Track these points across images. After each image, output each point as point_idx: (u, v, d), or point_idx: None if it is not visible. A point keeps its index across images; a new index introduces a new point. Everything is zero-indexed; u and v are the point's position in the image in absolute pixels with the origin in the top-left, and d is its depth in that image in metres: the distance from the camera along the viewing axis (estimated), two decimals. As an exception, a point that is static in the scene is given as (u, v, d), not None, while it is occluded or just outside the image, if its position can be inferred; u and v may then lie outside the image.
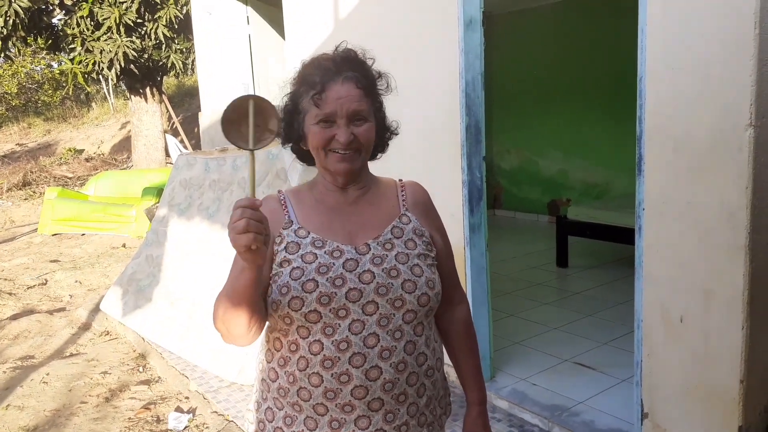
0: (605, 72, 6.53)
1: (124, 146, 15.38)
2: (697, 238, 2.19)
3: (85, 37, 9.77)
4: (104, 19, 9.58)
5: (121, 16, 9.52)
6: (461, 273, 3.11)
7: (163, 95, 11.73)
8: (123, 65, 9.80)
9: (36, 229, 8.59)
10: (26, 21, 9.50)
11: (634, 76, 2.32)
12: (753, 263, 2.08)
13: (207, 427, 3.11)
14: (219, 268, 3.78)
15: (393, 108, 1.36)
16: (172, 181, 4.94)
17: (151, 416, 3.27)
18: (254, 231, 0.99)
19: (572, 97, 6.93)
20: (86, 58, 9.82)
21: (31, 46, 13.65)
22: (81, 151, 15.79)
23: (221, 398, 3.31)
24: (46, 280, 6.18)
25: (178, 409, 3.32)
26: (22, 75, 19.95)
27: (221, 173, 4.41)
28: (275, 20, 6.22)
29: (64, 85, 17.80)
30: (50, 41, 10.52)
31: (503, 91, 7.46)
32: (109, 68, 9.82)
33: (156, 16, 9.79)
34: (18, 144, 18.36)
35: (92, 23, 9.73)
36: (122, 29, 9.65)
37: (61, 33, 10.31)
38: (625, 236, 4.51)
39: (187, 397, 3.46)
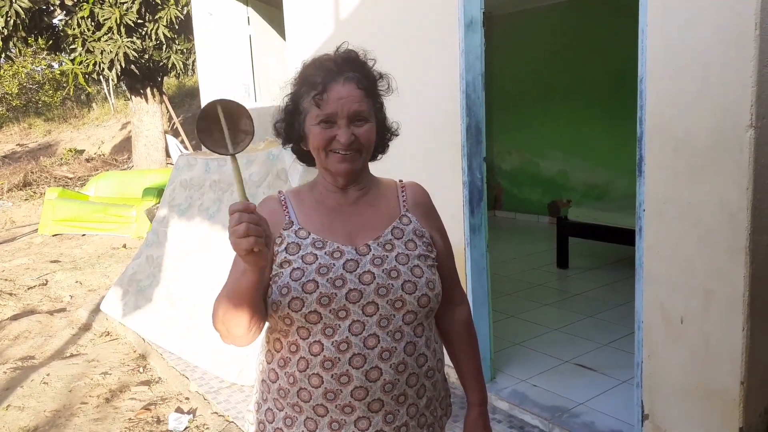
0: (605, 72, 6.53)
1: (124, 147, 15.39)
2: (697, 239, 2.19)
3: (85, 37, 9.77)
4: (105, 20, 9.59)
5: (121, 17, 9.53)
6: (462, 274, 3.11)
7: (164, 96, 11.74)
8: (123, 66, 9.81)
9: (36, 229, 8.59)
10: (27, 21, 9.51)
11: (635, 77, 2.32)
12: (753, 264, 2.08)
13: (207, 428, 3.11)
14: (219, 269, 3.77)
15: (393, 109, 1.36)
16: (172, 181, 4.95)
17: (152, 417, 3.27)
18: (254, 234, 0.99)
19: (572, 98, 6.94)
20: (87, 59, 9.83)
21: (31, 46, 13.68)
22: (81, 152, 15.80)
23: (221, 399, 3.31)
24: (47, 281, 6.19)
25: (179, 410, 3.32)
26: (23, 75, 19.97)
27: (222, 174, 4.41)
28: (276, 21, 6.22)
29: (64, 85, 17.82)
30: (51, 42, 10.53)
31: (503, 92, 7.46)
32: (110, 69, 9.83)
33: (156, 17, 9.80)
34: (19, 144, 18.37)
35: (93, 24, 9.74)
36: (123, 30, 9.65)
37: (61, 33, 10.32)
38: (626, 237, 4.51)
39: (187, 398, 3.46)
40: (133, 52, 9.77)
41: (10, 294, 5.74)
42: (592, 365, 3.40)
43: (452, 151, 3.14)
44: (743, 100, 2.00)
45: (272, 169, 3.94)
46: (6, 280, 6.26)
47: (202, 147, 6.70)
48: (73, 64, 10.15)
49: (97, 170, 13.32)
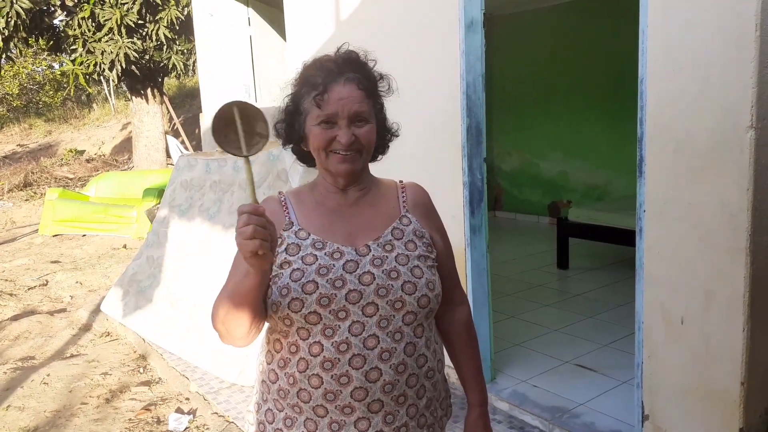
0: (606, 73, 6.53)
1: (125, 147, 15.40)
2: (697, 240, 2.19)
3: (86, 38, 9.78)
4: (105, 20, 9.60)
5: (122, 18, 9.54)
6: (462, 274, 3.11)
7: (164, 96, 11.75)
8: (124, 66, 9.81)
9: (37, 230, 8.60)
10: (28, 22, 9.52)
11: (635, 78, 2.32)
12: (754, 265, 2.08)
13: (207, 428, 3.11)
14: (220, 269, 3.77)
15: (394, 109, 1.36)
16: (172, 182, 4.95)
17: (152, 417, 3.27)
18: (260, 237, 0.99)
19: (573, 99, 6.94)
20: (87, 59, 9.84)
21: (32, 47, 13.69)
22: (82, 152, 15.81)
23: (222, 399, 3.31)
24: (47, 281, 6.19)
25: (179, 410, 3.32)
26: (24, 76, 19.98)
27: (222, 174, 4.42)
28: (276, 21, 6.23)
29: (65, 86, 17.83)
30: (51, 42, 10.54)
31: (504, 93, 7.46)
32: (111, 69, 9.84)
33: (157, 18, 9.81)
34: (19, 145, 18.38)
35: (93, 24, 9.75)
36: (123, 30, 9.66)
37: (62, 34, 10.32)
38: (626, 238, 4.51)
39: (187, 398, 3.46)
40: (134, 53, 9.78)
41: (11, 294, 5.74)
42: (593, 366, 3.39)
43: (452, 151, 3.14)
44: (744, 101, 2.00)
45: (272, 170, 3.95)
46: (6, 280, 6.26)
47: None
48: (74, 65, 10.15)
49: (98, 171, 13.33)
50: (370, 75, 1.25)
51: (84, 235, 8.23)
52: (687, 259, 2.23)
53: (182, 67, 10.57)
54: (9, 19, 9.13)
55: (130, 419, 3.26)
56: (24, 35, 10.00)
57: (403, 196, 1.34)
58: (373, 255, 1.23)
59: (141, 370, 3.92)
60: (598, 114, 6.72)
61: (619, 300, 4.38)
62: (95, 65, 9.84)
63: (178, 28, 9.97)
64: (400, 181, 1.37)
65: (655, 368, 2.39)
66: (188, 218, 4.54)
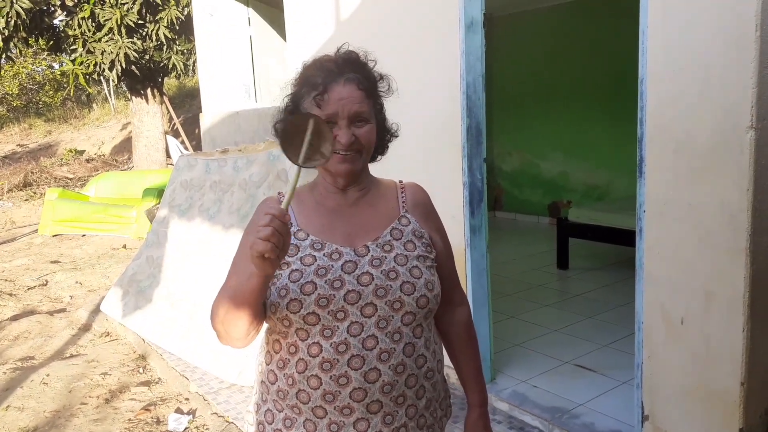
0: (606, 74, 6.53)
1: (124, 147, 15.40)
2: (697, 240, 2.19)
3: (86, 38, 9.78)
4: (105, 20, 9.60)
5: (122, 18, 9.54)
6: (462, 275, 3.11)
7: (164, 96, 11.75)
8: (124, 66, 9.81)
9: (36, 230, 8.59)
10: (28, 22, 9.52)
11: (635, 78, 2.32)
12: (754, 265, 2.08)
13: (207, 429, 3.11)
14: (219, 269, 3.77)
15: (394, 109, 1.36)
16: (172, 182, 4.95)
17: (151, 417, 3.27)
18: (275, 242, 0.99)
19: (573, 99, 6.94)
20: (87, 59, 9.84)
21: (32, 47, 13.69)
22: (82, 152, 15.81)
23: (221, 400, 3.31)
24: (47, 281, 6.19)
25: (178, 411, 3.31)
26: (24, 76, 19.98)
27: (222, 174, 4.42)
28: (276, 21, 6.23)
29: (65, 86, 17.83)
30: (51, 42, 10.54)
31: (504, 93, 7.46)
32: (110, 69, 9.84)
33: (157, 18, 9.81)
34: (19, 145, 18.39)
35: (93, 24, 9.75)
36: (123, 30, 9.66)
37: (62, 34, 10.32)
38: (626, 238, 4.51)
39: (187, 399, 3.46)
40: (134, 53, 9.78)
41: (10, 294, 5.74)
42: (593, 366, 3.39)
43: (452, 151, 3.14)
44: (744, 102, 2.00)
45: (272, 170, 3.95)
46: (6, 280, 6.26)
47: (204, 147, 6.70)
48: (74, 65, 10.15)
49: (98, 171, 13.33)
50: (370, 75, 1.25)
51: (84, 235, 8.23)
52: (687, 259, 2.23)
53: (182, 67, 10.57)
54: (9, 19, 9.13)
55: (129, 419, 3.26)
56: (24, 35, 10.00)
57: (402, 197, 1.34)
58: (372, 255, 1.23)
59: (141, 370, 3.92)
60: (598, 114, 6.71)
61: (619, 300, 4.38)
62: (95, 65, 9.84)
63: (178, 28, 9.97)
64: (400, 182, 1.37)
65: (655, 368, 2.39)
66: (188, 218, 4.54)
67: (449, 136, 3.15)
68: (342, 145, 1.19)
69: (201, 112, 6.80)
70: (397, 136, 1.35)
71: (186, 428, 3.13)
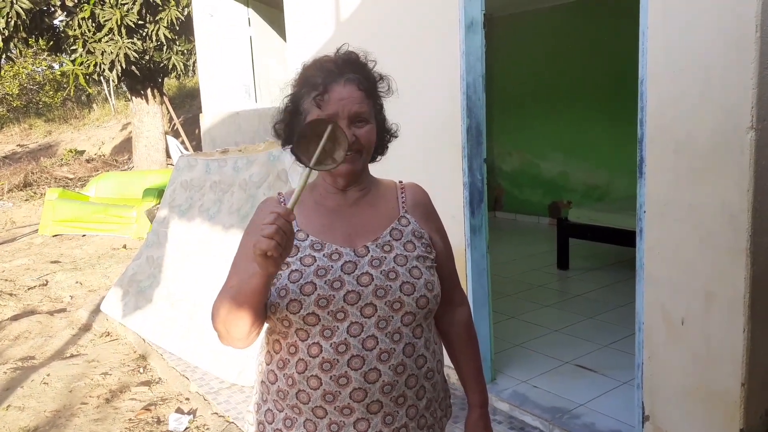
0: (606, 74, 6.53)
1: (125, 147, 15.40)
2: (698, 241, 2.19)
3: (86, 38, 9.78)
4: (106, 21, 9.60)
5: (122, 18, 9.54)
6: (462, 275, 3.11)
7: (164, 96, 11.75)
8: (124, 66, 9.81)
9: (37, 230, 8.60)
10: (28, 22, 9.52)
11: (635, 78, 2.32)
12: (754, 266, 2.08)
13: (207, 429, 3.11)
14: (220, 269, 3.77)
15: (394, 110, 1.36)
16: (172, 182, 4.95)
17: (152, 417, 3.27)
18: (278, 240, 0.99)
19: (573, 99, 6.94)
20: (87, 60, 9.84)
21: (32, 47, 13.68)
22: (82, 153, 15.81)
23: (222, 399, 3.31)
24: (47, 281, 6.19)
25: (179, 411, 3.32)
26: (24, 76, 19.98)
27: (222, 175, 4.42)
28: (276, 22, 6.23)
29: (65, 86, 17.83)
30: (52, 42, 10.54)
31: (504, 93, 7.46)
32: (111, 69, 9.84)
33: (157, 18, 9.81)
34: (19, 145, 18.39)
35: (94, 25, 9.75)
36: (123, 31, 9.66)
37: (62, 34, 10.33)
38: (626, 238, 4.51)
39: (187, 399, 3.46)
40: (134, 53, 9.78)
41: (11, 294, 5.74)
42: (593, 366, 3.39)
43: (453, 152, 3.14)
44: (744, 102, 2.00)
45: (272, 170, 3.95)
46: (6, 280, 6.26)
47: (204, 147, 6.71)
48: (74, 65, 10.15)
49: (98, 171, 13.33)
50: (370, 76, 1.26)
51: (84, 235, 8.23)
52: (687, 260, 2.23)
53: (182, 67, 10.57)
54: (9, 20, 9.13)
55: (130, 419, 3.26)
56: (24, 35, 10.00)
57: (402, 197, 1.34)
58: (372, 256, 1.23)
59: (141, 370, 3.92)
60: (598, 114, 6.71)
61: (620, 301, 4.38)
62: (95, 65, 9.84)
63: (178, 28, 9.97)
64: (400, 182, 1.37)
65: (656, 369, 2.39)
66: (188, 218, 4.54)
67: (449, 136, 3.15)
68: (342, 145, 1.19)
69: (201, 112, 6.80)
70: (396, 137, 1.35)
71: (186, 428, 3.13)
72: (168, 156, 11.36)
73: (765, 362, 2.22)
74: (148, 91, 11.23)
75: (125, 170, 12.83)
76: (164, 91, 11.85)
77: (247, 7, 6.26)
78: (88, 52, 9.84)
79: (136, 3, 9.59)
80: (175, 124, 13.03)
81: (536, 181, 7.55)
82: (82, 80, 10.28)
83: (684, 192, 2.20)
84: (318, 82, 1.20)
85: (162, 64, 10.67)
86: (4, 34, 9.44)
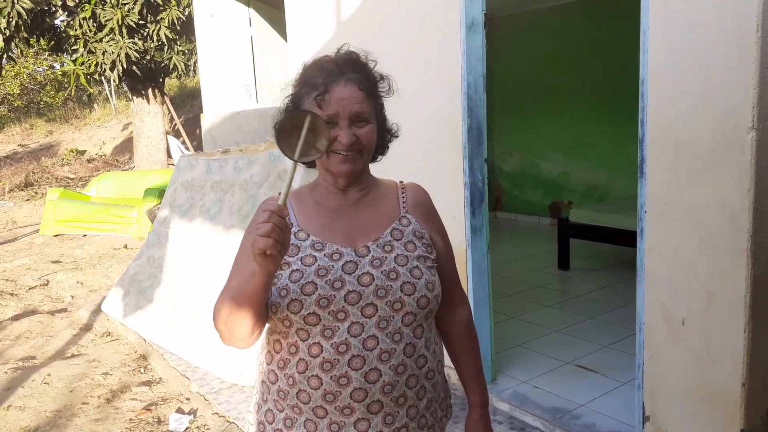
0: (607, 74, 6.53)
1: (125, 147, 15.41)
2: (698, 241, 2.19)
3: (87, 38, 9.79)
4: (107, 21, 9.61)
5: (123, 18, 9.55)
6: (462, 275, 3.11)
7: (165, 96, 11.75)
8: (125, 66, 9.82)
9: (38, 229, 8.60)
10: (29, 22, 9.53)
11: (636, 79, 2.31)
12: (755, 266, 2.08)
13: (208, 429, 3.11)
14: (220, 269, 3.78)
15: (395, 110, 1.36)
16: (173, 182, 4.95)
17: (152, 417, 3.27)
18: (275, 237, 0.99)
19: (574, 99, 6.93)
20: (89, 60, 9.85)
21: (33, 47, 13.70)
22: (83, 152, 15.83)
23: (222, 400, 3.31)
24: (48, 281, 6.19)
25: (179, 411, 3.32)
26: (25, 76, 20.00)
27: (223, 175, 4.42)
28: (277, 22, 6.23)
29: (66, 86, 17.85)
30: (53, 42, 10.55)
31: (505, 94, 7.46)
32: (112, 69, 9.85)
33: (158, 18, 9.82)
34: (20, 145, 18.40)
35: (95, 24, 9.76)
36: (125, 31, 9.67)
37: (63, 34, 10.33)
38: (627, 239, 4.51)
39: (188, 399, 3.46)
40: (135, 53, 9.79)
41: (12, 294, 5.74)
42: (593, 367, 3.39)
43: (453, 152, 3.14)
44: (745, 102, 2.00)
45: (273, 170, 3.95)
46: (7, 280, 6.27)
47: (205, 147, 6.71)
48: (75, 65, 10.16)
49: (99, 171, 13.35)
50: (370, 76, 1.26)
51: (85, 235, 8.24)
52: (688, 260, 2.22)
53: (183, 67, 10.58)
54: (10, 19, 9.13)
55: (130, 419, 3.26)
56: (25, 35, 10.01)
57: (403, 197, 1.34)
58: (373, 256, 1.23)
59: (142, 370, 3.92)
60: (599, 115, 6.71)
61: (620, 301, 4.37)
62: (96, 65, 9.85)
63: (179, 28, 9.98)
64: (401, 182, 1.37)
65: (656, 369, 2.39)
66: (189, 218, 4.54)
67: (450, 136, 3.15)
68: (343, 145, 1.19)
69: (202, 112, 6.80)
70: (397, 137, 1.35)
71: (187, 428, 3.14)
72: (169, 156, 11.36)
73: (765, 362, 2.22)
74: (149, 91, 11.24)
75: (126, 170, 12.84)
76: (165, 91, 11.86)
77: (248, 7, 6.26)
78: (89, 52, 9.85)
79: (137, 3, 9.60)
80: (176, 124, 13.04)
81: (537, 181, 7.55)
82: (83, 80, 10.29)
83: (685, 192, 2.20)
84: (319, 82, 1.20)
85: (163, 64, 10.67)
86: (5, 33, 9.45)
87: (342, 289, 1.18)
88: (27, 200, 11.51)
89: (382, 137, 1.30)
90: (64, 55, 11.35)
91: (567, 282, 5.10)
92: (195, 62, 10.23)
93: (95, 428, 3.19)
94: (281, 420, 1.25)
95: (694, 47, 2.12)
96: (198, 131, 12.55)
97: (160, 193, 7.54)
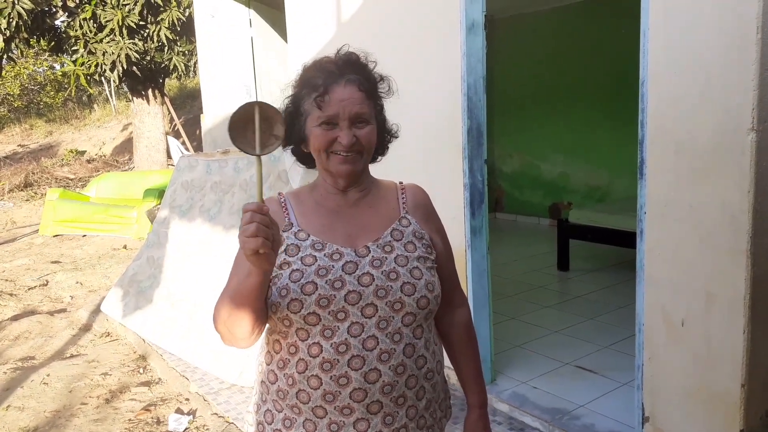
0: (607, 75, 6.53)
1: (125, 148, 15.41)
2: (698, 242, 2.19)
3: (87, 39, 9.79)
4: (107, 21, 9.61)
5: (123, 18, 9.55)
6: (462, 276, 3.11)
7: (165, 97, 11.76)
8: (125, 67, 9.82)
9: (37, 230, 8.60)
10: (29, 23, 9.53)
11: (636, 80, 2.32)
12: (755, 267, 2.08)
13: (207, 429, 3.11)
14: (220, 270, 3.77)
15: (395, 111, 1.36)
16: (173, 182, 4.95)
17: (152, 418, 3.27)
18: (263, 236, 0.99)
19: (574, 101, 6.94)
20: (89, 60, 9.85)
21: (33, 47, 13.70)
22: (83, 153, 15.82)
23: (221, 400, 3.31)
24: (47, 281, 6.19)
25: (179, 411, 3.31)
26: (25, 76, 20.00)
27: (223, 175, 4.42)
28: (277, 23, 6.23)
29: (66, 86, 17.84)
30: (53, 43, 10.55)
31: (505, 95, 7.46)
32: (112, 70, 9.85)
33: (158, 19, 9.82)
34: (20, 145, 18.40)
35: (95, 25, 9.76)
36: (125, 31, 9.67)
37: (63, 35, 10.34)
38: (627, 239, 4.50)
39: (187, 399, 3.46)
40: (135, 54, 9.79)
41: (11, 294, 5.74)
42: (593, 367, 3.39)
43: (453, 153, 3.14)
44: (745, 103, 2.00)
45: (273, 171, 3.95)
46: (7, 280, 6.27)
47: (204, 147, 6.71)
48: (75, 66, 10.17)
49: (98, 171, 13.34)
50: (370, 76, 1.26)
51: (84, 236, 8.24)
52: (688, 260, 2.23)
53: (183, 68, 10.58)
54: (11, 20, 9.14)
55: (130, 419, 3.26)
56: (26, 36, 10.01)
57: (402, 198, 1.34)
58: (373, 256, 1.23)
59: (141, 370, 3.92)
60: (598, 115, 6.72)
61: (620, 302, 4.37)
62: (96, 66, 9.85)
63: (179, 29, 9.98)
64: (400, 183, 1.37)
65: (656, 370, 2.39)
66: (189, 219, 4.54)
67: (450, 137, 3.15)
68: (343, 146, 1.19)
69: (202, 113, 6.80)
70: (397, 137, 1.36)
71: (186, 428, 3.13)
72: (169, 156, 11.37)
73: (765, 363, 2.22)
74: (149, 91, 11.24)
75: (126, 171, 12.84)
76: (165, 91, 11.86)
77: (248, 8, 6.26)
78: (90, 52, 9.85)
79: (138, 4, 9.61)
80: (175, 125, 13.04)
81: (537, 182, 7.55)
82: (83, 81, 10.29)
83: (684, 193, 2.20)
84: (318, 83, 1.20)
85: (163, 65, 10.68)
86: (5, 34, 9.46)
87: (342, 289, 1.18)
88: (26, 200, 11.50)
89: (382, 138, 1.30)
90: (64, 55, 11.35)
91: (567, 283, 5.10)
92: (195, 63, 10.24)
93: (94, 428, 3.19)
94: (280, 420, 1.25)
95: (694, 48, 2.12)
96: (198, 132, 12.55)
97: (160, 193, 7.53)
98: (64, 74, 17.35)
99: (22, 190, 12.26)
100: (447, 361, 1.38)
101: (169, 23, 9.75)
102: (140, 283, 4.67)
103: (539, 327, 4.03)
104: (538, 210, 7.57)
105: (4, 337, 4.62)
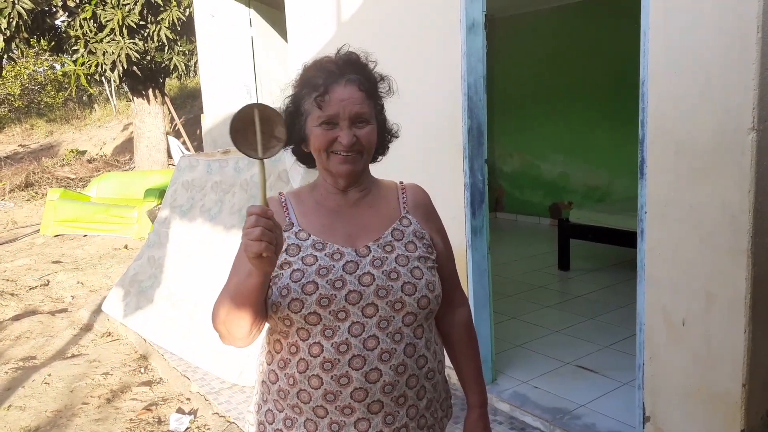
0: (607, 75, 6.53)
1: (126, 148, 15.41)
2: (699, 241, 2.19)
3: (88, 38, 9.80)
4: (107, 21, 9.61)
5: (123, 18, 9.55)
6: (463, 276, 3.11)
7: (166, 97, 11.76)
8: (126, 67, 9.83)
9: (38, 230, 8.61)
10: (30, 22, 9.54)
11: (636, 79, 2.32)
12: (755, 267, 2.08)
13: (208, 429, 3.11)
14: (221, 270, 3.78)
15: (395, 110, 1.36)
16: (174, 182, 4.95)
17: (153, 417, 3.27)
18: (266, 240, 1.00)
19: (574, 100, 6.94)
20: (89, 60, 9.85)
21: (34, 47, 13.71)
22: (83, 153, 15.83)
23: (222, 400, 3.31)
24: (48, 281, 6.19)
25: (180, 411, 3.32)
26: (25, 76, 20.00)
27: (223, 175, 4.42)
28: (277, 22, 6.23)
29: (66, 86, 17.85)
30: (53, 43, 10.56)
31: (505, 94, 7.46)
32: (112, 70, 9.85)
33: (159, 18, 9.82)
34: (20, 145, 18.41)
35: (95, 25, 9.76)
36: (125, 31, 9.68)
37: (64, 35, 10.34)
38: (627, 239, 4.51)
39: (188, 399, 3.47)
40: (135, 54, 9.79)
41: (12, 294, 5.74)
42: (594, 367, 3.39)
43: (454, 152, 3.14)
44: (745, 103, 2.00)
45: (273, 171, 3.95)
46: (8, 280, 6.27)
47: (205, 147, 6.72)
48: (76, 66, 10.17)
49: (99, 171, 13.35)
50: (370, 76, 1.26)
51: (85, 236, 8.24)
52: (688, 260, 2.23)
53: (183, 67, 10.58)
54: (11, 20, 9.14)
55: (131, 419, 3.26)
56: (26, 36, 10.02)
57: (403, 197, 1.34)
58: (373, 256, 1.23)
59: (142, 370, 3.92)
60: (599, 115, 6.72)
61: (620, 301, 4.37)
62: (97, 66, 9.85)
63: (179, 28, 9.99)
64: (401, 182, 1.37)
65: (657, 370, 2.39)
66: (189, 219, 4.54)
67: (450, 137, 3.15)
68: (343, 146, 1.19)
69: (202, 112, 6.80)
70: (397, 137, 1.36)
71: (187, 428, 3.14)
72: (169, 156, 11.37)
73: (766, 363, 2.22)
74: (150, 91, 11.25)
75: (126, 170, 12.85)
76: (165, 91, 11.86)
77: (248, 7, 6.26)
78: (90, 52, 9.85)
79: (138, 3, 9.61)
80: (176, 125, 13.04)
81: (537, 182, 7.55)
82: (83, 80, 10.29)
83: (685, 193, 2.20)
84: (319, 83, 1.20)
85: (163, 65, 10.68)
86: (5, 34, 9.46)
87: (343, 289, 1.18)
88: (27, 200, 11.51)
89: (382, 138, 1.31)
90: (65, 55, 11.35)
91: (567, 282, 5.10)
92: (195, 63, 10.24)
93: (96, 428, 3.19)
94: (281, 420, 1.25)
95: (694, 48, 2.12)
96: (198, 132, 12.56)
97: (161, 193, 7.54)
98: (64, 74, 17.36)
99: (23, 190, 12.27)
100: (448, 361, 1.38)
101: (169, 23, 9.75)
102: (141, 282, 4.68)
103: (540, 327, 4.03)
104: (538, 210, 7.58)
105: (5, 337, 4.63)
